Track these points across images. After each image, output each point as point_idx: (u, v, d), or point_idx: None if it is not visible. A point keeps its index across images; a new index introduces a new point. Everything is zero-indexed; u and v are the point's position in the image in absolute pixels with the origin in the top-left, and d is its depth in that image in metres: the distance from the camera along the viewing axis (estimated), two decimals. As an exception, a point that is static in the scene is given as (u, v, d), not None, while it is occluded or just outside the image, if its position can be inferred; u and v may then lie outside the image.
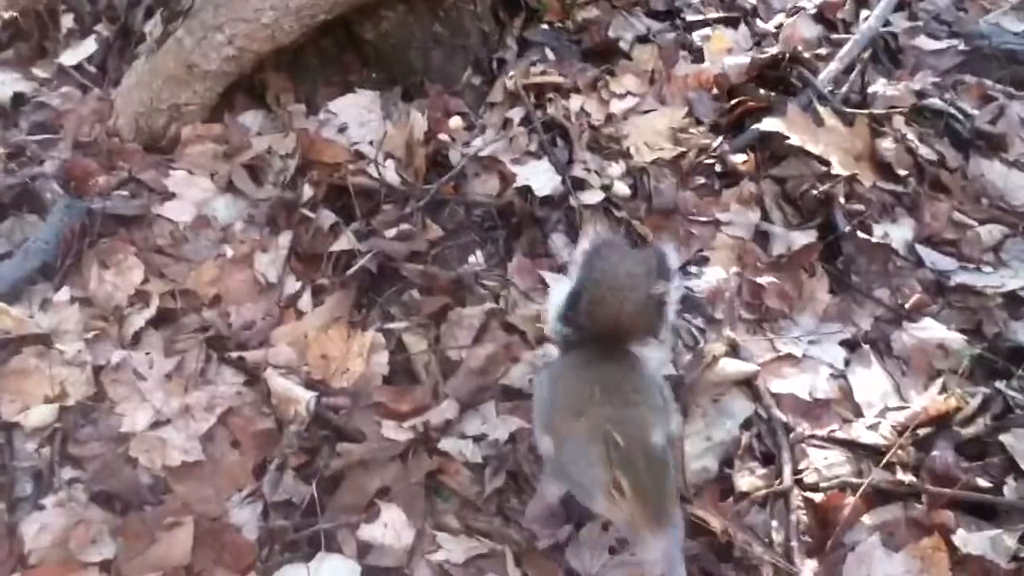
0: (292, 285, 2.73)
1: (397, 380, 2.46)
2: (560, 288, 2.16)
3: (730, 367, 2.37)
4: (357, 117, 3.04)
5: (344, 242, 2.74)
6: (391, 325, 2.58)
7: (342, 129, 3.00)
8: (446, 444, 2.26)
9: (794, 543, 2.04)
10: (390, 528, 2.08)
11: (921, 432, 2.23)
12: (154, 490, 2.25)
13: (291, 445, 2.32)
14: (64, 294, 2.57)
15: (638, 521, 1.67)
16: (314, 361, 2.52)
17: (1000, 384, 2.32)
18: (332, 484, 2.22)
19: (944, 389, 2.32)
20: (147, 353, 2.52)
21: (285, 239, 2.80)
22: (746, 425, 2.30)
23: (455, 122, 3.04)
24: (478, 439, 2.30)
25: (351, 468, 2.23)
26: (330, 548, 2.08)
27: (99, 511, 2.18)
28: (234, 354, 2.50)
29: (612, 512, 1.77)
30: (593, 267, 2.04)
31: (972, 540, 1.97)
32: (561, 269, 2.71)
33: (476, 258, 2.74)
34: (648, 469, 1.68)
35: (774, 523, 2.10)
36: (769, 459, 2.24)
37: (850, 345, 2.49)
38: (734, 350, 2.45)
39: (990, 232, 2.82)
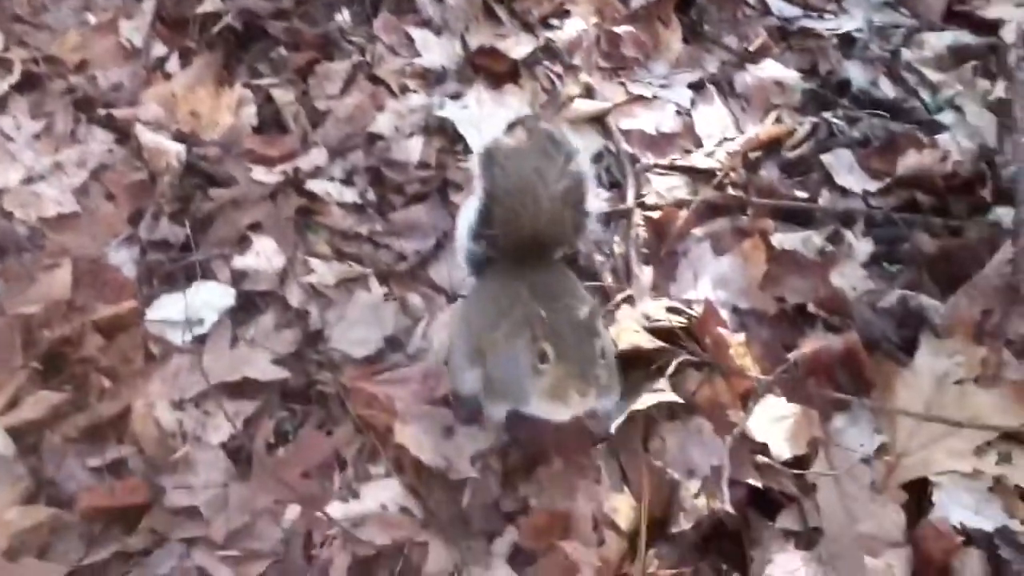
0: (159, 49, 2.74)
1: (267, 131, 2.54)
2: (467, 205, 1.95)
3: (583, 106, 2.52)
4: None
5: (208, 5, 2.74)
6: (259, 81, 2.63)
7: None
8: (315, 186, 2.37)
9: (632, 253, 2.24)
10: (262, 256, 2.21)
11: (752, 156, 2.42)
12: (32, 239, 2.31)
13: (165, 194, 2.41)
14: (-84, 63, 2.54)
15: (565, 383, 1.56)
16: (183, 117, 2.57)
17: (827, 114, 2.51)
18: (205, 224, 2.33)
19: (778, 120, 2.50)
20: (13, 116, 2.53)
21: (149, 5, 2.79)
22: (597, 159, 2.46)
23: None
24: (346, 182, 2.41)
25: (223, 208, 2.34)
26: (205, 278, 2.21)
27: (-23, 257, 2.25)
28: (103, 111, 2.53)
29: (541, 390, 1.60)
30: (494, 174, 1.83)
31: (787, 240, 2.20)
32: (427, 24, 2.77)
33: (342, 16, 2.77)
34: (574, 333, 1.57)
35: (616, 239, 2.29)
36: (616, 187, 2.41)
37: (697, 87, 2.64)
38: (589, 92, 2.58)
39: (836, -17, 2.96)
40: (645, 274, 2.20)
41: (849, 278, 2.13)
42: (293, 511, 1.86)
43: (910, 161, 2.30)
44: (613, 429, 1.85)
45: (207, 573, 1.76)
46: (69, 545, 1.81)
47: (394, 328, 2.13)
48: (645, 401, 1.88)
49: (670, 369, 1.95)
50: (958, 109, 2.52)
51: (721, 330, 1.98)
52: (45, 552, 1.79)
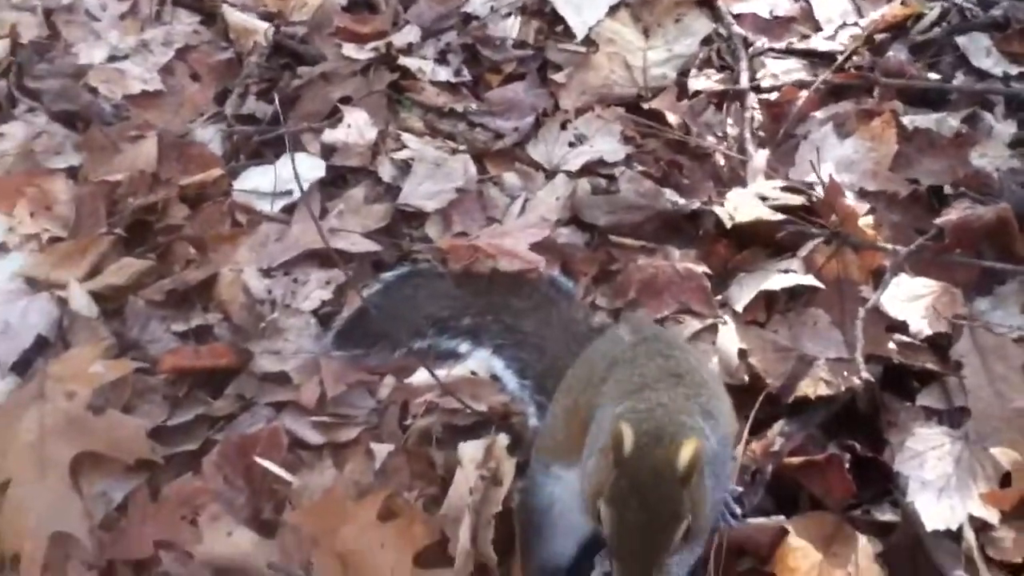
0: (246, -67, 2.64)
1: (357, 11, 2.43)
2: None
3: (690, -14, 2.36)
4: None
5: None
6: (349, -38, 2.52)
7: None
8: (408, 62, 2.26)
9: (747, 135, 2.08)
10: (353, 128, 2.10)
11: (877, 39, 2.24)
12: (116, 115, 2.24)
13: (252, 74, 2.33)
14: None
15: None
16: (271, -1, 2.49)
17: (958, -1, 2.31)
18: (294, 100, 2.24)
19: (903, 3, 2.31)
20: (98, -3, 2.47)
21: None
22: (706, 42, 2.31)
23: None
24: (440, 61, 2.29)
25: (312, 83, 2.24)
26: (295, 151, 2.10)
27: (61, 128, 2.19)
28: (189, -9, 2.45)
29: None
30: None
31: (919, 120, 2.02)
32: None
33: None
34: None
35: (729, 120, 2.14)
36: (728, 70, 2.25)
37: (813, -31, 2.46)
38: (696, -24, 2.42)
39: None
40: (759, 156, 2.03)
41: (992, 159, 1.95)
42: (388, 383, 1.75)
43: (1058, 40, 2.10)
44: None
45: (297, 435, 1.65)
46: (152, 407, 1.72)
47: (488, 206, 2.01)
48: (776, 282, 1.73)
49: (804, 250, 1.78)
50: (1112, -7, 2.30)
51: (850, 202, 1.81)
52: (129, 413, 1.69)
